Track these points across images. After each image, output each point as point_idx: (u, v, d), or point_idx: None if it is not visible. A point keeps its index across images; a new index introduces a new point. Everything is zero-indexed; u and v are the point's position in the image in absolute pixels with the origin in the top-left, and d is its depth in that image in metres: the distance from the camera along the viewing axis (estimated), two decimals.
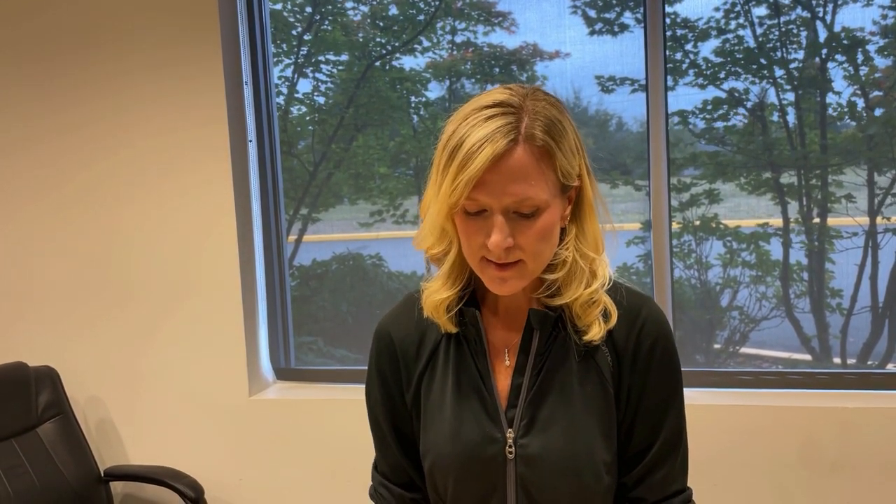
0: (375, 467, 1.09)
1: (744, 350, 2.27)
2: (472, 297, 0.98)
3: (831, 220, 2.17)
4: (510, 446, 0.94)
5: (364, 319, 2.52)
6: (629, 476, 0.97)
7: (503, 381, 0.97)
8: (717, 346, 2.28)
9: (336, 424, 2.32)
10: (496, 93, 0.89)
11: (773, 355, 2.26)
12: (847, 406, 2.01)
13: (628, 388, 0.95)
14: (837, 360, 2.19)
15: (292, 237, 2.56)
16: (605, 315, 0.95)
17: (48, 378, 2.39)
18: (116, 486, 2.45)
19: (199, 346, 2.42)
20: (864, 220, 2.13)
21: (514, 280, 0.90)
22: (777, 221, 2.22)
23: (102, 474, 2.38)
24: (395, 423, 1.04)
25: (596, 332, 0.93)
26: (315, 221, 2.57)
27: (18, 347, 2.49)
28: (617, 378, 0.95)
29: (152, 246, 2.41)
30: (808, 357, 2.22)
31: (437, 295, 0.96)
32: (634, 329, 0.95)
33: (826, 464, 2.00)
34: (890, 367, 2.14)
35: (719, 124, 2.21)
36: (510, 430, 0.94)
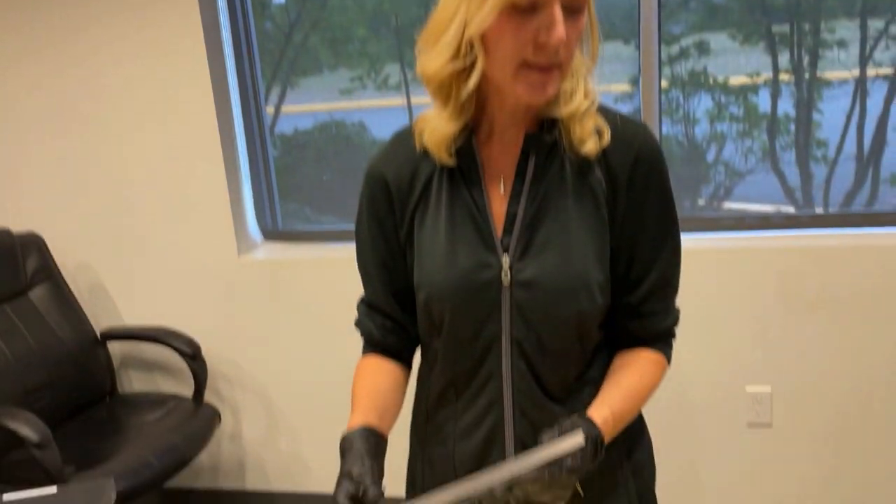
0: (361, 299, 1.10)
1: (728, 205, 2.30)
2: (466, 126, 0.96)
3: (821, 71, 2.13)
4: (506, 272, 0.95)
5: (350, 187, 2.50)
6: (629, 297, 0.99)
7: (498, 208, 0.97)
8: (701, 201, 2.29)
9: (325, 282, 2.36)
10: None
11: (756, 209, 2.29)
12: (826, 244, 2.06)
13: (624, 212, 0.96)
14: (820, 210, 2.23)
15: (270, 108, 2.50)
16: (598, 133, 0.94)
17: (33, 244, 2.39)
18: (114, 348, 2.51)
19: (184, 209, 2.41)
20: (854, 72, 2.09)
21: (552, 84, 0.88)
22: (767, 75, 2.18)
23: (99, 336, 2.43)
24: (384, 262, 1.04)
25: (592, 147, 0.93)
26: (294, 87, 2.49)
27: (1, 214, 2.46)
28: (611, 201, 0.95)
29: (133, 112, 2.37)
30: (791, 209, 2.25)
31: (444, 128, 0.94)
32: (631, 152, 0.95)
33: (805, 302, 2.08)
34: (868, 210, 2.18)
35: None
36: (506, 255, 0.95)
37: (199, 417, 2.26)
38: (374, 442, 0.92)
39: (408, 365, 1.10)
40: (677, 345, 1.05)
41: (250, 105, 2.44)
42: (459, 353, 0.99)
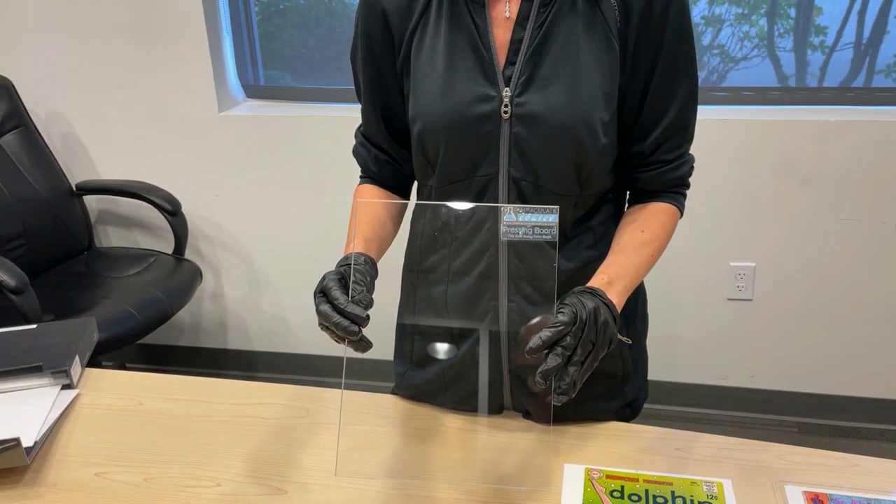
0: (358, 128, 1.07)
1: (720, 89, 2.24)
2: None
3: None
4: (506, 105, 0.90)
5: (332, 54, 2.38)
6: (641, 145, 0.95)
7: (502, 34, 0.90)
8: None
9: (308, 141, 2.29)
10: None
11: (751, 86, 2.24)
12: (822, 119, 2.03)
13: (637, 45, 0.89)
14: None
15: None
16: None
17: (3, 88, 2.27)
18: (91, 202, 2.45)
19: (163, 62, 2.29)
20: None
21: None
22: None
23: (74, 188, 2.37)
24: (378, 94, 1.00)
25: None
26: None
27: None
28: (624, 33, 0.89)
29: None
30: (789, 85, 2.20)
31: None
32: None
33: (797, 178, 2.06)
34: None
35: None
36: (507, 88, 0.90)
37: (180, 273, 2.24)
38: (372, 268, 0.91)
39: (406, 195, 1.09)
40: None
41: None
42: (454, 192, 0.96)
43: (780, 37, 2.15)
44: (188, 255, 2.38)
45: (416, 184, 1.06)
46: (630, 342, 0.95)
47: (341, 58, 2.36)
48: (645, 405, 1.12)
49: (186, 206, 2.34)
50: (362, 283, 0.85)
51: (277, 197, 2.38)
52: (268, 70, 2.45)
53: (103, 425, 1.08)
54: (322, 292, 0.85)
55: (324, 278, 0.86)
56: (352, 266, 0.87)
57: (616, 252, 0.95)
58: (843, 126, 2.02)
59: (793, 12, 2.12)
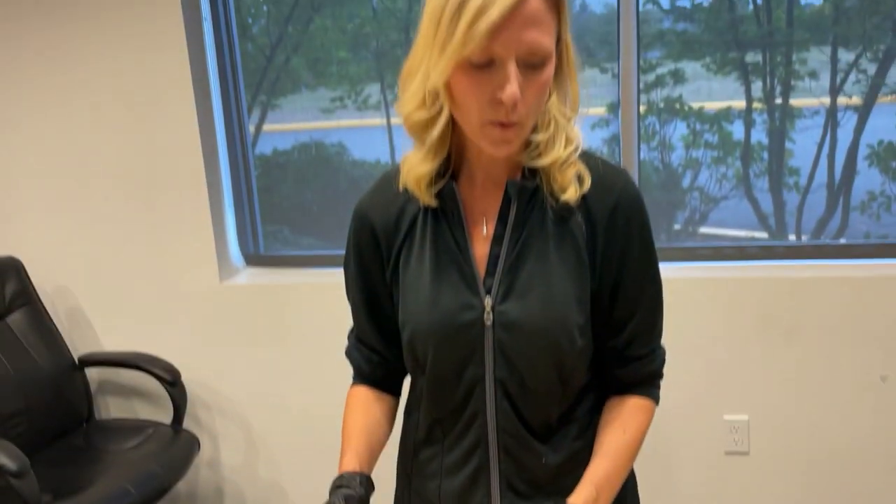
0: (351, 330, 1.13)
1: (703, 230, 2.34)
2: (447, 167, 0.98)
3: (794, 102, 2.19)
4: (488, 313, 0.96)
5: (329, 208, 2.51)
6: (613, 342, 1.01)
7: (481, 249, 0.98)
8: (677, 226, 2.33)
9: (307, 307, 2.36)
10: None
11: (731, 234, 2.33)
12: (801, 276, 2.11)
13: (604, 256, 0.97)
14: (793, 237, 2.27)
15: (251, 125, 2.51)
16: (580, 179, 0.95)
17: (12, 268, 2.37)
18: (92, 374, 2.49)
19: (166, 233, 2.41)
20: (825, 100, 2.15)
21: (515, 140, 0.90)
22: (740, 103, 2.23)
23: (77, 361, 2.41)
24: (370, 299, 1.06)
25: (572, 193, 0.94)
26: (274, 108, 2.51)
27: None
28: (591, 246, 0.97)
29: (115, 135, 2.37)
30: (764, 235, 2.29)
31: (418, 168, 0.95)
32: (610, 200, 0.96)
33: (780, 330, 2.11)
34: (842, 241, 2.23)
35: (686, 1, 2.17)
36: (488, 297, 0.97)
37: (177, 444, 2.24)
38: (365, 488, 0.95)
39: (397, 394, 1.13)
40: None
41: (234, 129, 2.45)
42: (444, 392, 1.01)
43: (756, 177, 2.27)
44: (187, 421, 2.39)
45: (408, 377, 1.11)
46: None
47: (338, 211, 2.48)
48: None
49: (186, 374, 2.38)
50: None
51: (276, 364, 2.43)
52: (264, 224, 2.56)
53: None
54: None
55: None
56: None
57: (601, 455, 0.99)
58: (821, 282, 2.09)
59: (766, 155, 2.24)
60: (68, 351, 2.41)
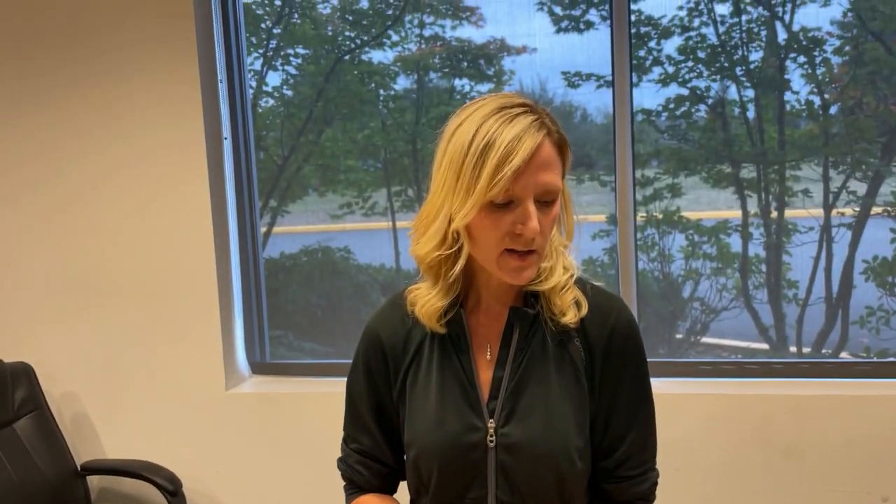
0: (346, 443, 1.16)
1: (704, 340, 2.36)
2: (457, 298, 1.05)
3: (789, 214, 2.25)
4: (491, 435, 1.01)
5: (334, 312, 2.56)
6: (605, 462, 1.05)
7: (485, 373, 1.04)
8: (678, 336, 2.35)
9: (311, 417, 2.37)
10: (510, 96, 0.99)
11: (732, 344, 2.35)
12: (801, 394, 2.11)
13: (601, 381, 1.03)
14: (793, 349, 2.29)
15: (262, 228, 2.59)
16: (577, 304, 1.03)
17: (23, 374, 2.41)
18: (93, 480, 2.49)
19: (175, 340, 2.45)
20: (819, 212, 2.21)
21: (531, 268, 0.98)
22: (737, 214, 2.29)
23: (79, 468, 2.41)
24: (378, 413, 1.11)
25: (571, 317, 1.01)
26: (284, 214, 2.59)
27: None
28: (590, 371, 1.03)
29: (129, 241, 2.43)
30: (765, 346, 2.31)
31: (434, 303, 1.02)
32: (607, 326, 1.03)
33: (780, 448, 2.10)
34: (843, 356, 2.24)
35: (682, 122, 2.27)
36: (491, 420, 1.01)
37: None
38: None
39: (394, 490, 1.17)
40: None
41: (247, 234, 2.52)
42: None
43: (755, 289, 2.30)
44: None
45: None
46: None
47: (342, 316, 2.52)
48: None
49: (189, 481, 2.37)
50: None
51: (279, 473, 2.42)
52: (270, 328, 2.60)
53: None
54: None
55: None
56: None
57: None
58: (821, 400, 2.10)
59: (764, 268, 2.28)
60: (71, 458, 2.41)
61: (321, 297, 2.57)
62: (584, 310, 1.02)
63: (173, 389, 2.46)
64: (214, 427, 2.44)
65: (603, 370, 1.03)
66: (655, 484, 1.09)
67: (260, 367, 2.57)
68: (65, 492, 2.35)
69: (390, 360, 1.08)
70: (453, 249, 0.98)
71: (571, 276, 1.04)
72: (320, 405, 2.35)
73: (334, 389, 2.40)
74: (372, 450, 1.13)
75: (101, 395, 2.52)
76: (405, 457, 1.09)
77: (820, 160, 2.20)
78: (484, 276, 1.04)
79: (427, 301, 1.03)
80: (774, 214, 2.25)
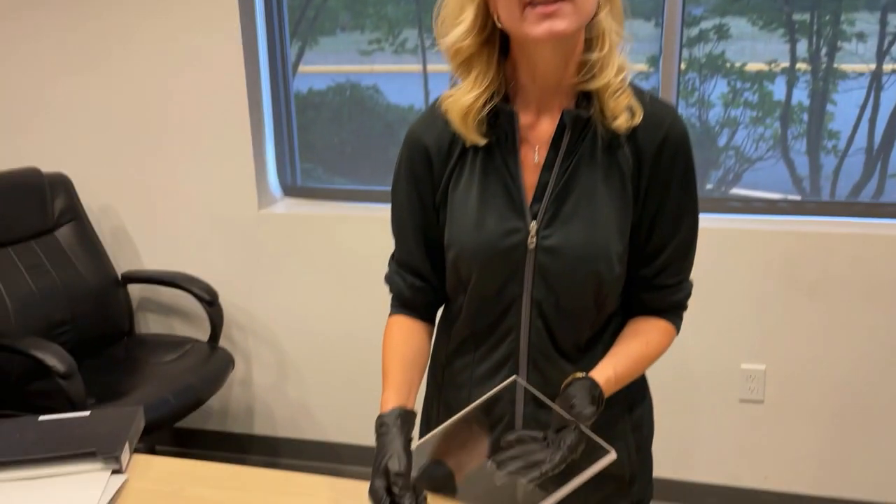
0: (393, 256, 1.17)
1: (735, 191, 2.35)
2: (504, 97, 1.02)
3: (838, 63, 2.18)
4: (532, 237, 1.02)
5: (362, 149, 2.56)
6: (645, 270, 1.06)
7: (530, 176, 1.03)
8: (709, 185, 2.35)
9: (339, 239, 2.43)
10: None
11: (763, 196, 2.35)
12: (830, 231, 2.13)
13: (647, 189, 1.02)
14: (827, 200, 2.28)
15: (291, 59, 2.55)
16: (631, 111, 0.99)
17: (61, 184, 2.46)
18: (134, 290, 2.60)
19: (208, 162, 2.48)
20: (867, 68, 2.14)
21: (561, 18, 0.90)
22: (783, 64, 2.22)
23: (120, 277, 2.52)
24: (419, 221, 1.11)
25: (623, 122, 0.98)
26: (312, 47, 2.53)
27: (31, 153, 2.53)
28: (636, 179, 1.02)
29: (165, 69, 2.43)
30: (798, 198, 2.31)
31: (464, 97, 0.99)
32: (659, 134, 1.00)
33: (805, 286, 2.15)
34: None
35: None
36: (534, 222, 1.02)
37: (214, 361, 2.35)
38: (408, 423, 0.99)
39: (433, 322, 1.18)
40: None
41: (277, 64, 2.49)
42: (482, 309, 1.07)
43: (794, 139, 2.27)
44: (221, 341, 2.49)
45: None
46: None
47: (370, 153, 2.53)
48: None
49: (222, 295, 2.47)
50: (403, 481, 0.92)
51: (310, 291, 2.51)
52: (300, 161, 2.62)
53: None
54: (387, 487, 0.91)
55: (385, 452, 0.94)
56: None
57: (623, 354, 1.05)
58: (850, 238, 2.11)
59: (805, 116, 2.25)
60: (112, 268, 2.51)
61: (350, 134, 2.56)
62: (638, 118, 0.99)
63: (208, 208, 2.51)
64: (248, 245, 2.52)
65: (651, 177, 1.02)
66: (689, 294, 1.11)
67: (291, 190, 2.61)
68: (107, 299, 2.46)
69: (435, 164, 1.07)
70: (484, 34, 0.95)
71: (625, 77, 0.99)
72: (348, 228, 2.41)
73: (363, 214, 2.48)
74: (409, 260, 1.13)
75: (138, 210, 2.58)
76: (446, 258, 1.08)
77: (880, 7, 2.10)
78: (527, 70, 0.99)
79: (458, 98, 0.99)
80: (824, 62, 2.18)
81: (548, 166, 1.02)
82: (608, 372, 1.01)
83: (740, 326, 2.23)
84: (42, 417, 1.36)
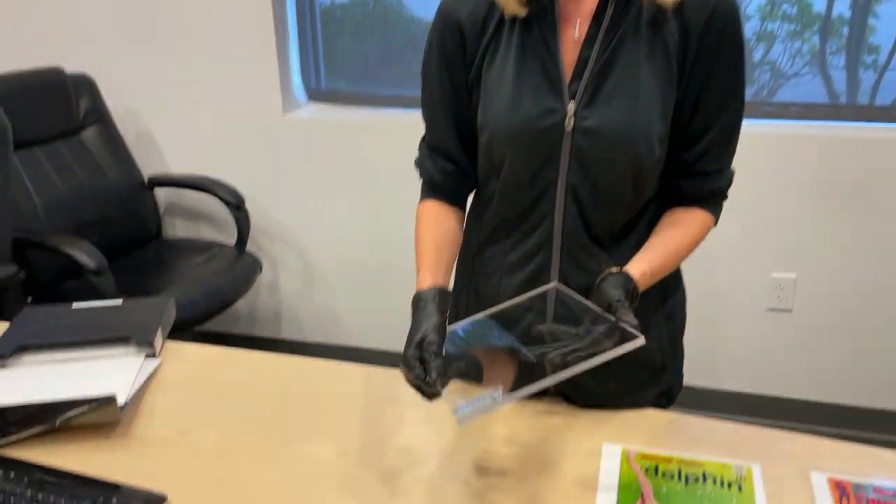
0: (423, 139, 1.13)
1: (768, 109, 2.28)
2: None
3: None
4: (570, 118, 0.97)
5: (386, 62, 2.50)
6: (686, 154, 1.02)
7: (570, 53, 0.98)
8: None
9: (365, 143, 2.41)
10: None
11: (798, 102, 2.28)
12: (868, 136, 2.07)
13: (693, 66, 0.97)
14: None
15: None
16: None
17: (85, 84, 2.44)
18: (160, 194, 2.60)
19: (233, 69, 2.44)
20: None
21: None
22: None
23: (146, 181, 2.52)
24: (450, 102, 1.07)
25: None
26: None
27: (54, 54, 2.50)
28: (682, 55, 0.97)
29: None
30: (834, 103, 2.23)
31: None
32: (707, 8, 0.95)
33: (839, 193, 2.10)
34: None
35: None
36: (572, 102, 0.97)
37: (241, 264, 2.37)
38: (445, 301, 0.96)
39: (463, 209, 1.14)
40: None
41: None
42: (515, 195, 1.04)
43: (832, 55, 2.19)
44: (248, 247, 2.51)
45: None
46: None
47: (392, 64, 2.47)
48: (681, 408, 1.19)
49: (249, 200, 2.47)
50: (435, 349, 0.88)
51: (335, 195, 2.51)
52: (325, 75, 2.58)
53: (184, 391, 1.19)
54: (419, 356, 0.88)
55: (420, 326, 0.91)
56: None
57: (660, 245, 1.02)
58: (887, 143, 2.05)
59: (845, 31, 2.16)
60: (138, 171, 2.51)
61: (373, 47, 2.50)
62: None
63: (233, 112, 2.49)
64: (273, 149, 2.50)
65: (697, 54, 0.96)
66: (731, 182, 1.07)
67: (316, 94, 2.57)
68: (134, 203, 2.47)
69: (469, 39, 1.02)
70: None
71: None
72: (375, 132, 2.38)
73: (389, 118, 2.44)
74: (440, 143, 1.09)
75: (164, 114, 2.57)
76: (479, 140, 1.04)
77: None
78: None
79: None
80: None
81: (589, 42, 0.97)
82: (643, 266, 0.98)
83: (773, 234, 2.19)
84: (76, 305, 1.39)
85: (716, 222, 1.08)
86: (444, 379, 0.85)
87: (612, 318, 0.90)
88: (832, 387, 2.29)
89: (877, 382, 2.25)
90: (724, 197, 1.08)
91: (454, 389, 0.88)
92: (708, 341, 2.31)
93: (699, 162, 1.03)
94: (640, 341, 0.87)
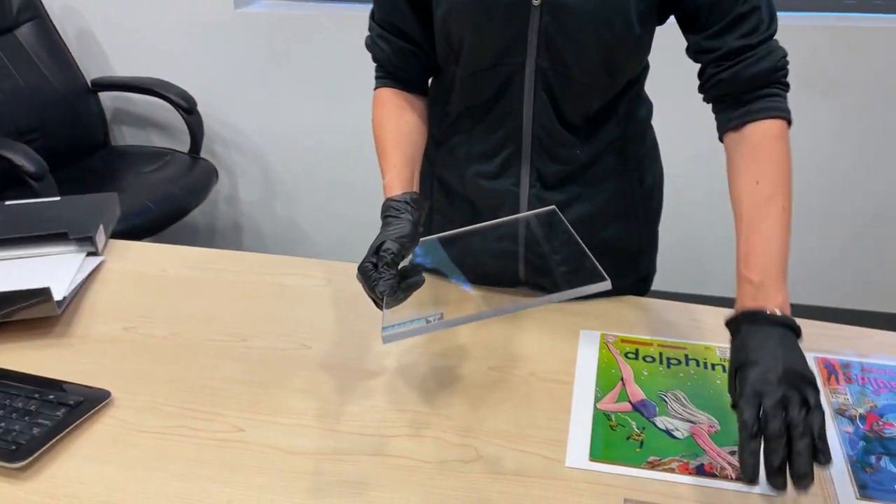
0: (373, 16, 0.99)
1: None
2: None
3: None
4: None
5: None
6: (712, 31, 0.85)
7: None
8: None
9: (324, 41, 2.25)
10: None
11: None
12: (847, 25, 1.99)
13: None
14: None
15: None
16: None
17: None
18: (106, 99, 2.43)
19: None
20: None
21: None
22: None
23: (90, 84, 2.35)
24: None
25: None
26: None
27: None
28: None
29: None
30: None
31: None
32: None
33: (825, 81, 2.03)
34: None
35: None
36: None
37: (196, 171, 2.24)
38: (419, 208, 0.84)
39: (425, 94, 1.02)
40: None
41: None
42: (479, 83, 0.93)
43: None
44: (203, 156, 2.38)
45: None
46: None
47: None
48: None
49: (201, 105, 2.32)
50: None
51: (293, 99, 2.36)
52: None
53: (129, 287, 1.11)
54: (375, 263, 0.79)
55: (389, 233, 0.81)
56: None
57: (745, 231, 0.83)
58: (867, 33, 1.97)
59: None
60: (80, 73, 2.34)
61: None
62: None
63: (181, 7, 2.31)
64: (225, 48, 2.33)
65: None
66: (784, 60, 0.85)
67: None
68: (78, 106, 2.31)
69: None
70: None
71: None
72: (332, 28, 2.23)
73: (351, 12, 2.28)
74: (392, 18, 0.94)
75: (104, 12, 2.37)
76: (433, 16, 0.90)
77: None
78: None
79: None
80: None
81: None
82: (747, 290, 0.78)
83: None
84: (9, 202, 1.28)
85: (789, 120, 0.87)
86: (393, 295, 0.77)
87: (590, 256, 0.82)
88: (817, 289, 2.26)
89: (861, 283, 2.24)
90: (783, 84, 0.87)
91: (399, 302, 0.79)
92: (686, 237, 2.26)
93: (727, 37, 0.84)
94: (607, 285, 0.76)
